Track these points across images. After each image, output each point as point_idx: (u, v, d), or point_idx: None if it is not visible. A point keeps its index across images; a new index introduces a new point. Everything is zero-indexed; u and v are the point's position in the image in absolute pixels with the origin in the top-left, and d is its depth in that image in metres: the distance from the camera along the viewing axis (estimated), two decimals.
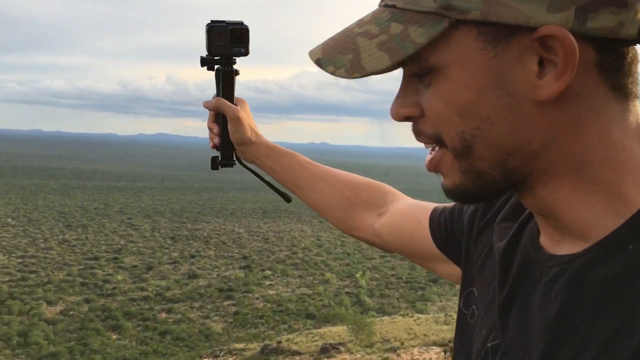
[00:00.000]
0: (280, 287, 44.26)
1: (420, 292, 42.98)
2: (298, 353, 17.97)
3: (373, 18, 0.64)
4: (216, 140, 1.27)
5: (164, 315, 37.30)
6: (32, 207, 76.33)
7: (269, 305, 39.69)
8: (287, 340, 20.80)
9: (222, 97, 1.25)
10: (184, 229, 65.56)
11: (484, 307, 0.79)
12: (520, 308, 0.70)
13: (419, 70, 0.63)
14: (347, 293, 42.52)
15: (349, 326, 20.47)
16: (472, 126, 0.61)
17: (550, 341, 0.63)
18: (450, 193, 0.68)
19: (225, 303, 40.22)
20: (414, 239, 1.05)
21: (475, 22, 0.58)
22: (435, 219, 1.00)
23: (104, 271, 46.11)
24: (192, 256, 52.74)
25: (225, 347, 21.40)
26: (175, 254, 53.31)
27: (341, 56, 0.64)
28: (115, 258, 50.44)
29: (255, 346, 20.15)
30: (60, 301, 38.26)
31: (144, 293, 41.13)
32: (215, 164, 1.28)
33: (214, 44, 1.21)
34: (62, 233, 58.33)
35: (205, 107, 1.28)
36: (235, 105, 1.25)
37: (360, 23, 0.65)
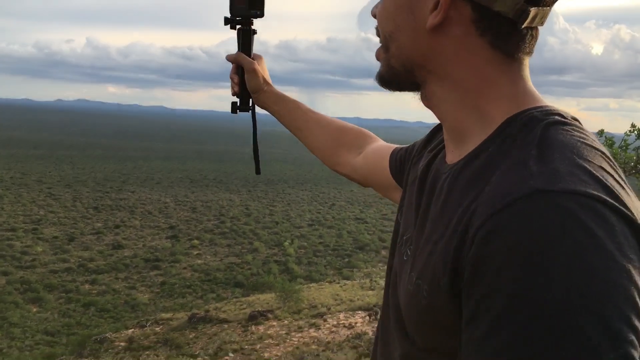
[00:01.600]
0: (209, 257, 44.03)
1: (346, 260, 43.90)
2: (226, 321, 18.07)
3: None
4: (236, 88, 1.50)
5: (87, 286, 36.33)
6: None
7: (196, 274, 39.44)
8: (215, 309, 20.82)
9: (242, 52, 1.47)
10: (107, 199, 63.61)
11: (406, 212, 1.03)
12: (423, 208, 0.93)
13: None
14: (275, 261, 42.85)
15: (277, 294, 20.74)
16: (390, 28, 0.88)
17: (433, 217, 0.87)
18: (376, 78, 0.94)
19: (152, 273, 39.63)
20: (378, 171, 1.31)
21: None
22: (394, 154, 1.26)
23: (22, 242, 44.22)
24: (117, 226, 51.39)
25: (152, 318, 21.17)
26: (99, 224, 51.77)
27: None
28: (34, 229, 48.42)
29: (182, 315, 20.06)
30: None
31: (66, 265, 39.85)
32: (234, 108, 1.50)
33: (235, 7, 1.41)
34: None
35: (227, 59, 1.50)
36: (252, 59, 1.48)
37: None
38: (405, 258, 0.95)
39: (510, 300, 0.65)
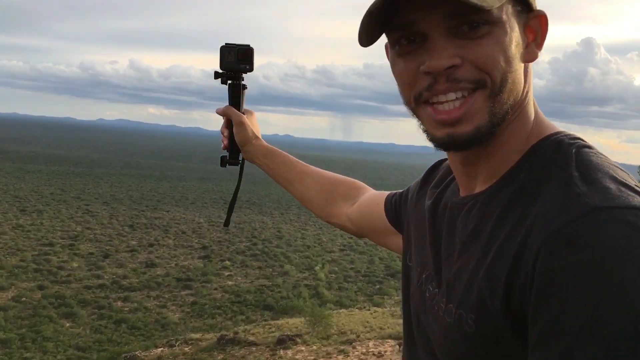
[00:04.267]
0: (239, 278, 44.10)
1: (377, 286, 43.43)
2: (254, 344, 18.00)
3: None
4: (225, 142, 1.52)
5: (119, 303, 36.73)
6: None
7: (227, 295, 39.50)
8: (244, 331, 20.78)
9: (231, 105, 1.50)
10: (142, 217, 64.61)
11: (418, 252, 1.02)
12: (444, 242, 0.92)
13: (480, 20, 0.79)
14: (305, 285, 42.64)
15: (307, 318, 20.59)
16: (509, 69, 0.81)
17: (462, 247, 0.86)
18: (464, 137, 0.82)
19: (183, 293, 39.87)
20: (374, 217, 1.30)
21: None
22: (389, 199, 1.27)
23: (58, 258, 45.11)
24: (151, 245, 52.03)
25: (182, 337, 21.24)
26: (133, 242, 52.49)
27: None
28: (71, 245, 49.39)
29: (211, 336, 20.07)
30: (13, 287, 37.30)
31: (100, 281, 40.40)
32: (223, 162, 1.52)
33: (224, 61, 1.45)
34: (16, 217, 56.78)
35: (216, 112, 1.53)
36: (242, 113, 1.50)
37: None
38: (427, 295, 0.93)
39: (593, 313, 0.65)
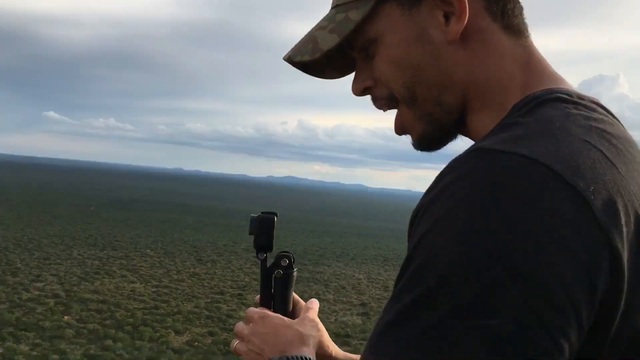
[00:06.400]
0: None
1: None
2: None
3: (324, 18, 0.86)
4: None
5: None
6: (168, 240, 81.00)
7: None
8: None
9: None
10: (305, 271, 66.40)
11: None
12: None
13: (363, 43, 0.82)
14: None
15: None
16: (409, 74, 0.79)
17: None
18: (418, 144, 0.85)
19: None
20: None
21: None
22: None
23: (228, 306, 47.71)
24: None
25: None
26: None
27: (305, 48, 0.86)
28: (239, 294, 52.15)
29: None
30: (187, 331, 39.99)
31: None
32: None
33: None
34: (193, 266, 61.39)
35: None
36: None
37: (316, 25, 0.87)
38: None
39: (411, 253, 0.65)
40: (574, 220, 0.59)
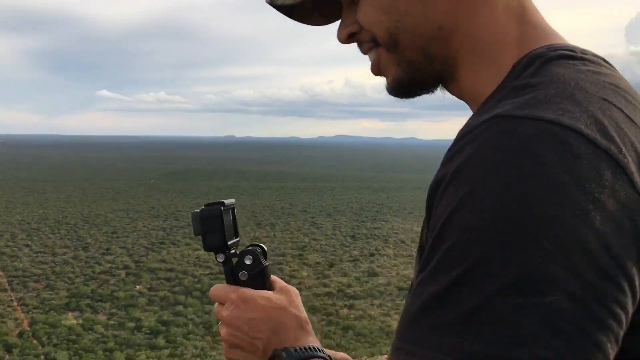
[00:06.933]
0: None
1: None
2: None
3: None
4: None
5: (345, 311, 38.43)
6: None
7: None
8: None
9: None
10: (363, 228, 66.93)
11: None
12: None
13: None
14: None
15: None
16: (394, 19, 0.74)
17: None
18: (392, 88, 0.82)
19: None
20: None
21: None
22: None
23: (290, 267, 48.80)
24: (372, 254, 53.62)
25: None
26: (356, 252, 54.62)
27: None
28: (300, 255, 53.13)
29: None
30: None
31: (327, 289, 42.76)
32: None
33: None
34: (253, 231, 62.88)
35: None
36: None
37: None
38: None
39: (441, 230, 0.59)
40: (612, 186, 0.55)
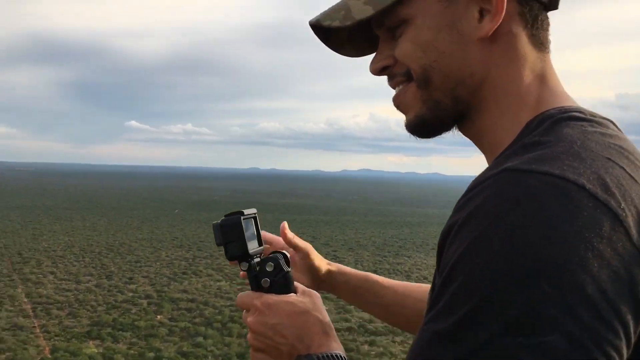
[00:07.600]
0: None
1: None
2: None
3: None
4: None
5: (366, 347, 37.87)
6: None
7: None
8: None
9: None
10: (385, 263, 66.36)
11: None
12: None
13: (392, 23, 0.82)
14: None
15: None
16: (431, 59, 0.79)
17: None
18: (412, 125, 0.85)
19: None
20: None
21: None
22: None
23: None
24: None
25: None
26: None
27: (336, 14, 0.84)
28: None
29: None
30: None
31: (348, 324, 42.25)
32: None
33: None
34: None
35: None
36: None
37: None
38: None
39: (450, 272, 0.64)
40: (610, 237, 0.59)
